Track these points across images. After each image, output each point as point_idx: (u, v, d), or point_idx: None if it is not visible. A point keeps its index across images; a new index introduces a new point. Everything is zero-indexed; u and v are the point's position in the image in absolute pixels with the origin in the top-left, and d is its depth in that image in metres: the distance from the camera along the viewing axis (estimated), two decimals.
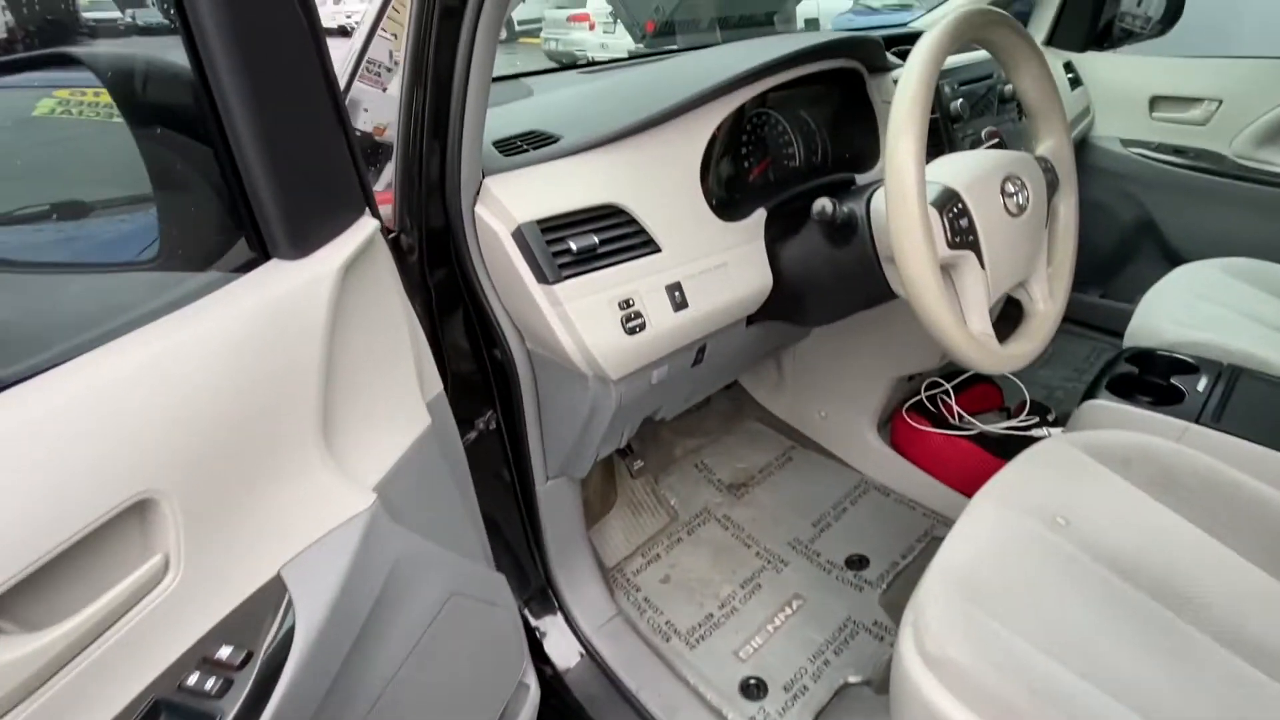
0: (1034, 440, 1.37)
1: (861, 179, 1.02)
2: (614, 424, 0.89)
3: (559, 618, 1.11)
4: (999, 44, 0.76)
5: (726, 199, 0.95)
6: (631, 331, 0.76)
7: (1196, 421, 1.00)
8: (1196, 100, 1.66)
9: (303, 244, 0.55)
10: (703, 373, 1.02)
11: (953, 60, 1.33)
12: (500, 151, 0.79)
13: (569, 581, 1.12)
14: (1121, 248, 1.88)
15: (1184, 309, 1.21)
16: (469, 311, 0.83)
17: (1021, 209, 0.75)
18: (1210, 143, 1.66)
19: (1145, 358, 1.17)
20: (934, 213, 0.68)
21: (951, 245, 0.68)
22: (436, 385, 0.75)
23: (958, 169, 0.73)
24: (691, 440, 1.57)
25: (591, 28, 8.76)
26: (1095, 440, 0.95)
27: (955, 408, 1.39)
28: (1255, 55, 1.61)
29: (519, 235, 0.72)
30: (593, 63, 1.41)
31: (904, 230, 0.63)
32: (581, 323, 0.73)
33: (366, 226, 0.61)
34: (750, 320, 0.99)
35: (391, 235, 0.78)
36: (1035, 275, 0.82)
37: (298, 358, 0.53)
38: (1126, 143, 1.79)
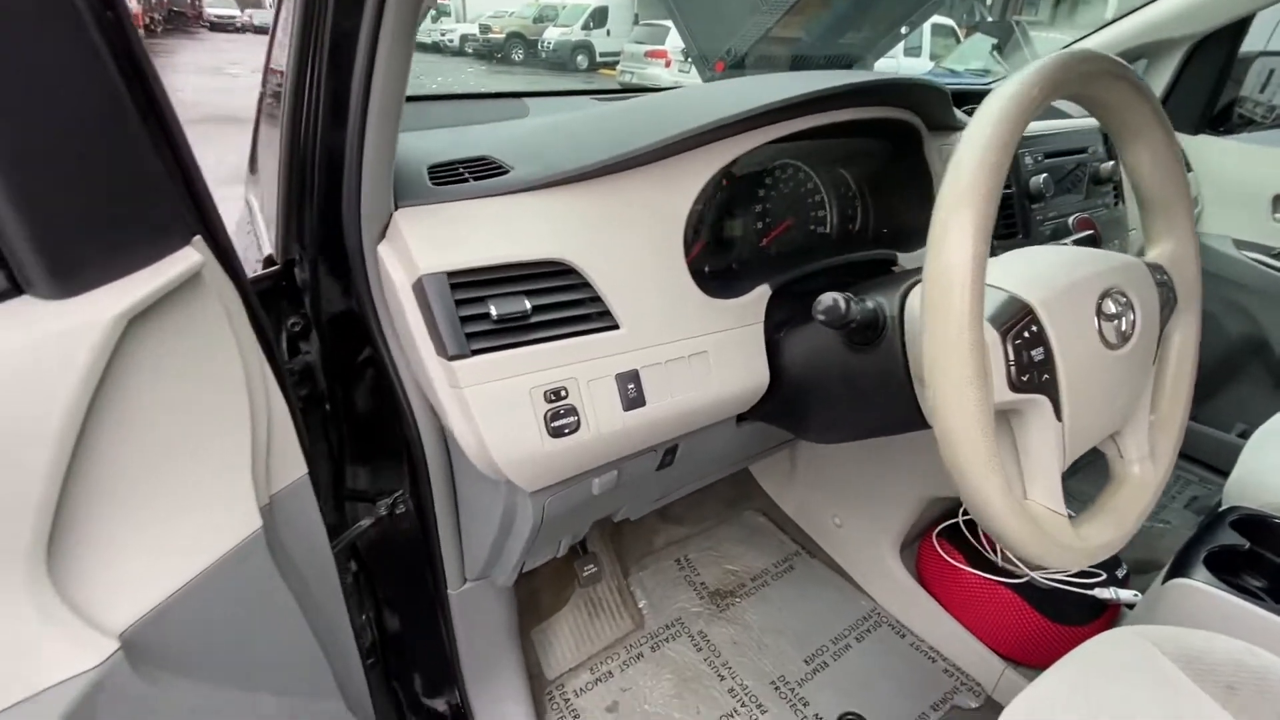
0: (1097, 603, 1.10)
1: (906, 260, 0.80)
2: (541, 537, 0.69)
3: None
4: (1111, 103, 0.55)
5: (722, 269, 0.75)
6: (559, 432, 0.56)
7: None
8: None
9: (70, 279, 0.39)
10: (677, 474, 0.82)
11: (1041, 126, 1.11)
12: (433, 179, 0.62)
13: (487, 702, 0.91)
14: (1224, 366, 1.59)
15: None
16: (375, 372, 0.66)
17: (1124, 338, 0.53)
18: None
19: (1259, 525, 0.90)
20: (993, 333, 0.47)
21: (1016, 386, 0.47)
22: (295, 470, 0.57)
23: (1035, 272, 0.52)
24: (677, 528, 1.35)
25: (668, 64, 8.82)
26: (1188, 646, 0.70)
27: (999, 543, 1.13)
28: None
29: (420, 289, 0.54)
30: (621, 91, 1.24)
31: (946, 358, 0.42)
32: (485, 415, 0.54)
33: (183, 260, 0.44)
34: (742, 418, 0.78)
35: (272, 270, 0.62)
36: (1133, 425, 0.58)
37: (20, 436, 0.36)
38: (1240, 244, 1.51)
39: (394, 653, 0.88)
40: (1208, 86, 1.59)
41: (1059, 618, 1.04)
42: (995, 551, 1.13)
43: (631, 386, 0.60)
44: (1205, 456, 1.58)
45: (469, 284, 0.55)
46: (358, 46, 0.49)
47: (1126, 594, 1.04)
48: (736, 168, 0.73)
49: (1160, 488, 0.60)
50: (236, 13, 18.00)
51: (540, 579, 1.14)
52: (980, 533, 1.17)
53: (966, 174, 0.43)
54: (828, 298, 0.53)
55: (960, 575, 1.12)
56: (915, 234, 0.86)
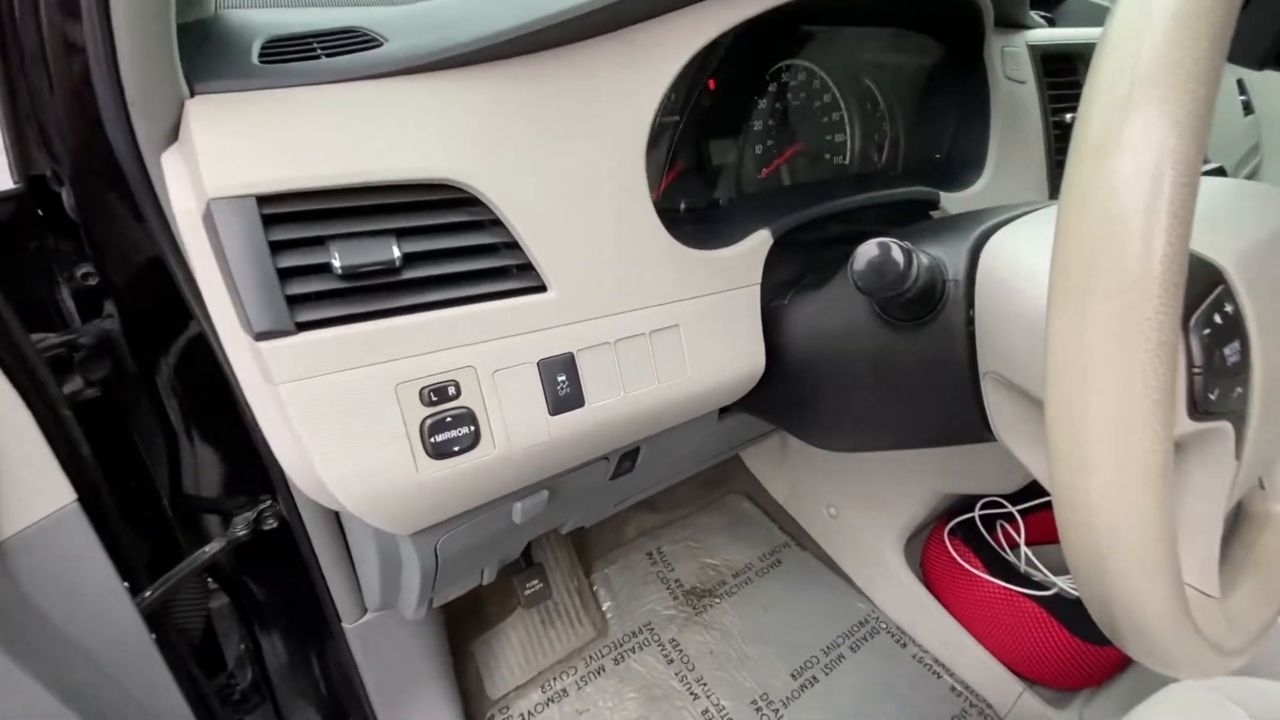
0: None
1: (950, 202, 0.60)
2: (443, 578, 0.51)
3: None
4: None
5: (703, 207, 0.54)
6: (445, 451, 0.37)
7: None
8: None
9: None
10: (639, 482, 0.63)
11: None
12: (265, 57, 0.40)
13: None
14: None
15: None
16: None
17: None
18: None
19: None
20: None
21: (1201, 410, 0.27)
22: (52, 500, 0.38)
23: (1220, 213, 0.32)
24: (650, 515, 1.17)
25: None
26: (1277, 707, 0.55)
27: (1022, 545, 0.97)
28: None
29: (210, 222, 0.33)
30: None
31: (1096, 361, 0.23)
32: (316, 426, 0.34)
33: None
34: (724, 410, 0.59)
35: (10, 192, 0.40)
36: None
37: None
38: None
39: (284, 692, 0.70)
40: (1277, 17, 1.37)
41: (1089, 635, 0.88)
42: (1017, 554, 0.97)
43: (563, 379, 0.40)
44: None
45: (298, 216, 0.35)
46: None
47: None
48: (726, 64, 0.52)
49: None
50: None
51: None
52: (999, 529, 1.01)
53: (1161, 22, 0.22)
54: (875, 248, 0.33)
55: (974, 580, 0.96)
56: (964, 167, 0.65)
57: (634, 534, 1.14)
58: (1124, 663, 0.89)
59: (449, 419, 0.37)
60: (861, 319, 0.44)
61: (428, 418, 0.36)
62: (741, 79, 0.57)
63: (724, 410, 0.59)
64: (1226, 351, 0.27)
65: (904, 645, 1.01)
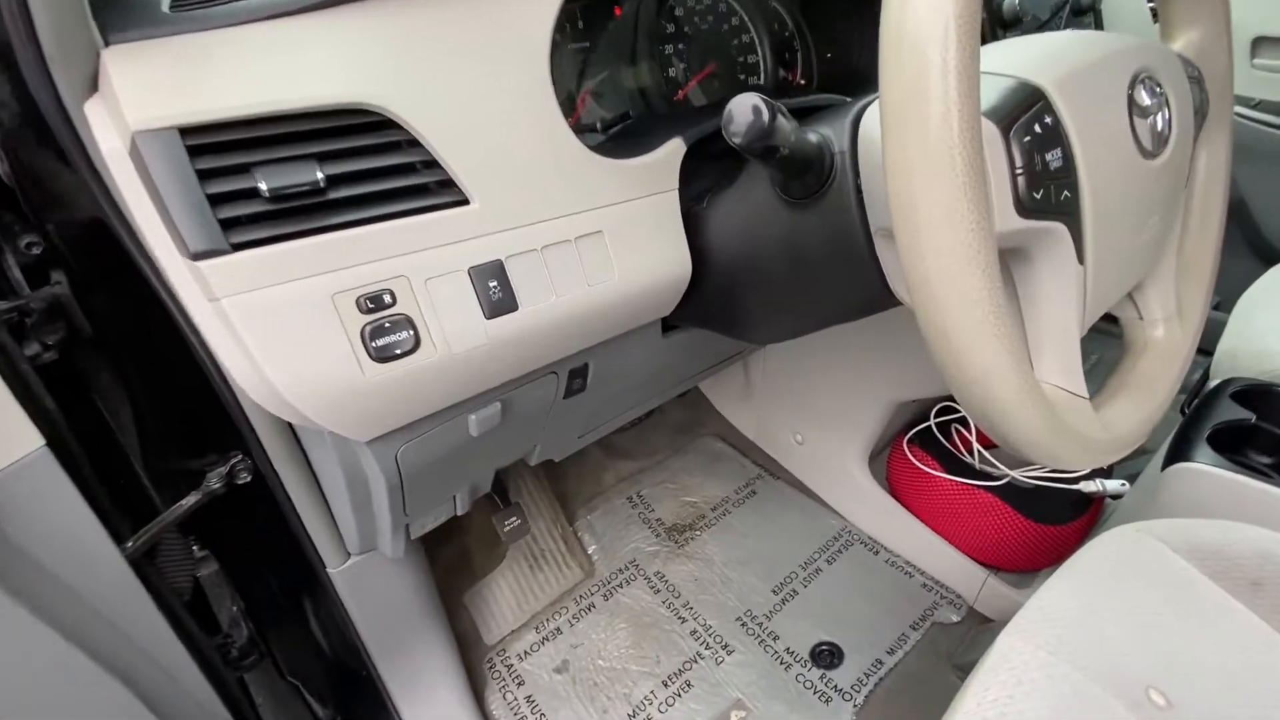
0: (1083, 498, 1.02)
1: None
2: (413, 498, 0.54)
3: None
4: None
5: (617, 118, 0.57)
6: (387, 355, 0.40)
7: None
8: None
9: None
10: (597, 403, 0.66)
11: None
12: (174, 5, 0.42)
13: (406, 684, 0.78)
14: None
15: None
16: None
17: (1161, 142, 0.38)
18: None
19: (1260, 396, 0.81)
20: (991, 128, 0.31)
21: (1028, 208, 0.31)
22: (29, 442, 0.40)
23: (1046, 50, 0.35)
24: (626, 462, 1.21)
25: None
26: (1201, 540, 0.60)
27: (974, 443, 1.02)
28: None
29: (136, 155, 0.35)
30: None
31: (922, 169, 0.26)
32: (261, 334, 0.37)
33: None
34: (668, 325, 0.62)
35: None
36: (1158, 274, 0.44)
37: None
38: None
39: (282, 647, 0.73)
40: None
41: (1042, 518, 0.94)
42: (971, 453, 1.03)
43: (494, 285, 0.43)
44: None
45: (220, 146, 0.37)
46: None
47: (1113, 484, 0.95)
48: None
49: (1191, 354, 0.47)
50: None
51: (468, 535, 1.00)
52: (954, 433, 1.06)
53: None
54: (740, 103, 0.36)
55: (934, 482, 1.02)
56: (871, 79, 0.68)
57: (613, 481, 1.18)
58: (1078, 541, 0.95)
59: (387, 324, 0.39)
60: (768, 205, 0.47)
61: (367, 325, 0.39)
62: (647, 3, 0.59)
63: (667, 327, 0.63)
64: (1049, 157, 0.31)
65: (876, 553, 1.07)
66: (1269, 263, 1.11)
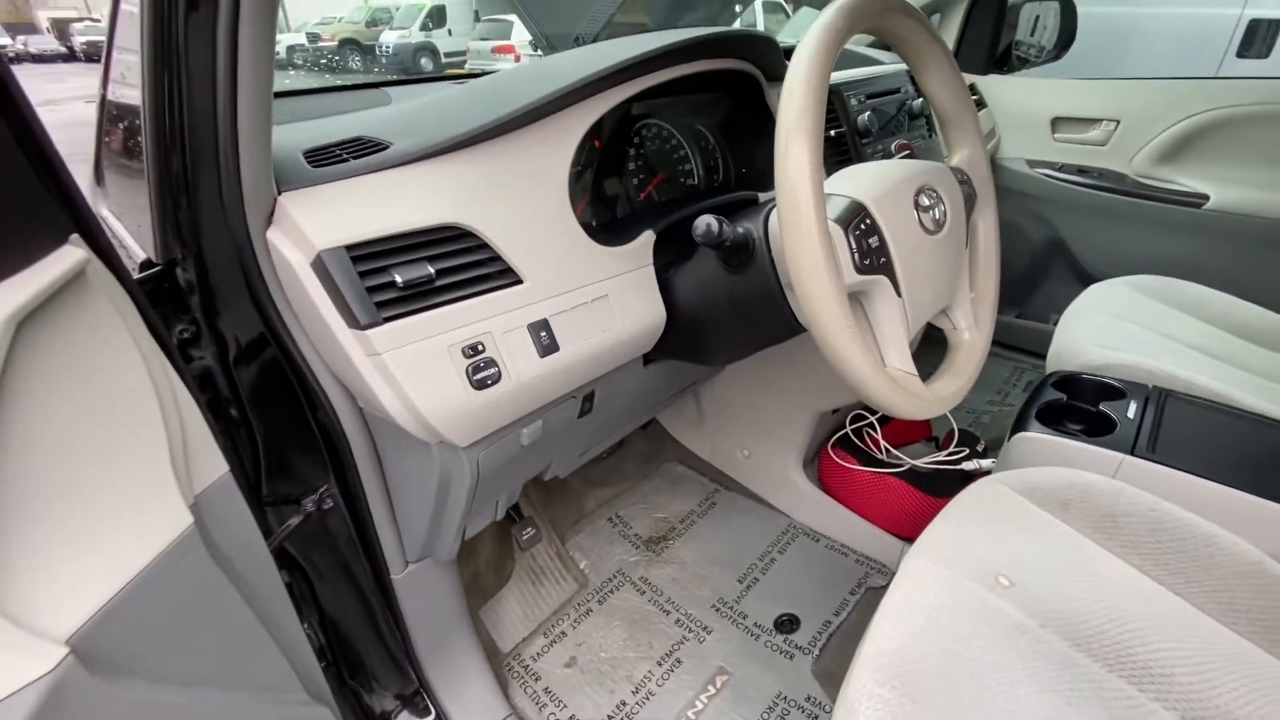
0: (965, 474, 1.29)
1: (765, 198, 0.90)
2: (478, 497, 0.73)
3: None
4: (903, 37, 0.66)
5: (609, 221, 0.81)
6: (483, 385, 0.60)
7: (1131, 452, 0.92)
8: (1095, 121, 1.68)
9: None
10: (597, 423, 0.87)
11: (861, 72, 1.26)
12: (310, 163, 0.62)
13: (448, 681, 0.93)
14: (1035, 267, 1.88)
15: (1102, 329, 1.16)
16: (282, 364, 0.65)
17: (939, 224, 0.64)
18: (1111, 162, 1.67)
19: (1072, 382, 1.11)
20: (838, 230, 0.56)
21: (861, 269, 0.56)
22: (217, 468, 0.57)
23: (864, 180, 0.62)
24: (604, 489, 1.41)
25: (517, 59, 8.72)
26: (1031, 480, 0.86)
27: (882, 442, 1.29)
28: (1146, 76, 1.63)
29: (320, 266, 0.55)
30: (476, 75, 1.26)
31: (801, 251, 0.50)
32: (409, 377, 0.56)
33: (64, 258, 0.43)
34: (648, 359, 0.85)
35: (153, 270, 0.60)
36: (958, 300, 0.71)
37: None
38: (1032, 163, 1.79)
39: (345, 653, 0.87)
40: (988, 33, 1.86)
41: (939, 493, 1.21)
42: (881, 450, 1.29)
43: (544, 334, 0.64)
44: (1032, 345, 1.87)
45: (369, 255, 0.57)
46: (218, 30, 0.49)
47: (986, 462, 1.23)
48: (605, 130, 0.79)
49: (986, 349, 0.74)
50: (6, 41, 15.44)
51: (480, 560, 1.16)
52: (866, 436, 1.33)
53: (797, 99, 0.51)
54: (702, 221, 0.60)
55: (855, 475, 1.27)
56: (769, 173, 0.96)
57: (594, 505, 1.37)
58: None
59: (481, 364, 0.60)
60: (715, 273, 0.71)
61: (469, 365, 0.59)
62: (616, 137, 0.85)
63: (648, 359, 0.85)
64: (870, 241, 0.57)
65: (816, 540, 1.30)
66: (1085, 284, 1.45)
